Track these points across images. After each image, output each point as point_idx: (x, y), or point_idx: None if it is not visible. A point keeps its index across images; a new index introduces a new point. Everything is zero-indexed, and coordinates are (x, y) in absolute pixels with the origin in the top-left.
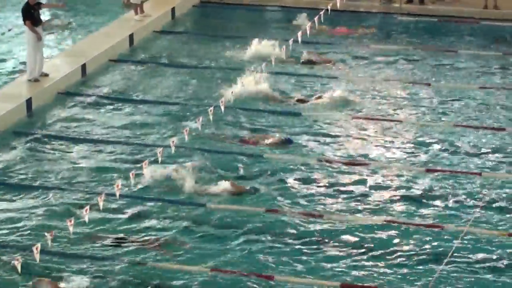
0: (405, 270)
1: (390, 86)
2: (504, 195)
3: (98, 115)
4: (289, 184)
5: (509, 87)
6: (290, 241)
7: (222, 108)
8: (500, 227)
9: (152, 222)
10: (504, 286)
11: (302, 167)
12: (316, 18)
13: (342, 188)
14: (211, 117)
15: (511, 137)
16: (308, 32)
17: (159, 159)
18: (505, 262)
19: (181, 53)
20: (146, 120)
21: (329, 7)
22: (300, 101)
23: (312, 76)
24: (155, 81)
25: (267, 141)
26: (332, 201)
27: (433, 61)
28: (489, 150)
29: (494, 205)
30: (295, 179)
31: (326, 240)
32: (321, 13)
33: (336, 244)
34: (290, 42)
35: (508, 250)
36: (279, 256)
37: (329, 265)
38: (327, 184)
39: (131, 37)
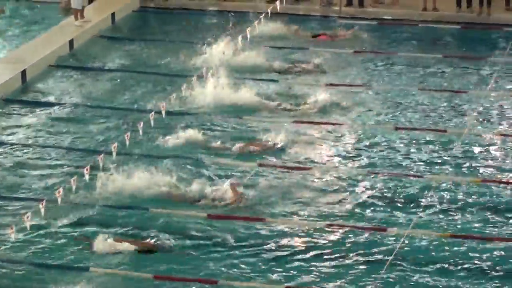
0: (349, 273)
1: (330, 90)
2: (446, 197)
3: (39, 121)
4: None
5: (449, 89)
6: (233, 245)
7: (163, 113)
8: (443, 229)
9: (95, 228)
10: (449, 286)
11: (244, 172)
12: (256, 22)
13: (284, 192)
14: (152, 122)
15: (452, 139)
16: (248, 36)
17: (101, 164)
18: (449, 262)
19: (121, 58)
20: (88, 126)
21: (269, 11)
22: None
23: (254, 79)
24: (95, 86)
25: (261, 149)
26: (275, 205)
27: (373, 64)
28: (431, 152)
29: (436, 207)
30: (238, 184)
31: (269, 244)
32: (261, 16)
33: (280, 247)
34: (231, 46)
35: (451, 251)
36: (222, 261)
37: (273, 269)
38: (269, 188)
39: (71, 42)
